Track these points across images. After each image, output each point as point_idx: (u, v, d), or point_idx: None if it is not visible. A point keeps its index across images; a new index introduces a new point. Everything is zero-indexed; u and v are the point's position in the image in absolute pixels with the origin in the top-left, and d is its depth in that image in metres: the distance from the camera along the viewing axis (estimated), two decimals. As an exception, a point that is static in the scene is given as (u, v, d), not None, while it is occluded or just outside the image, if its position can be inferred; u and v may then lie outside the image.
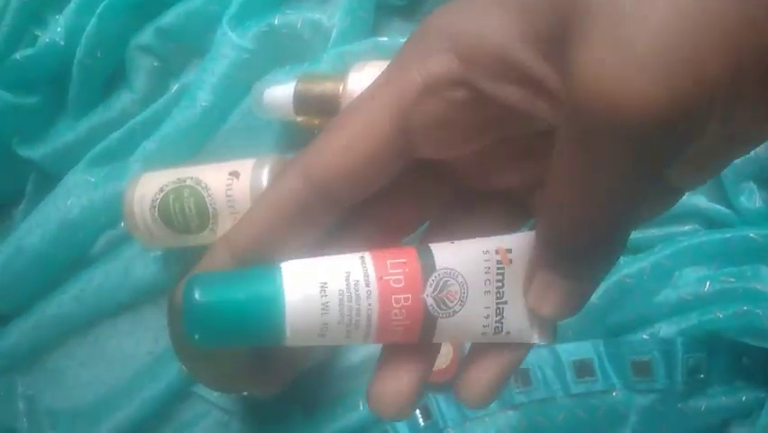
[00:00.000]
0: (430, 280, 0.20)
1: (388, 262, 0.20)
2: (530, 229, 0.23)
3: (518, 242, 0.22)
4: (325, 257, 0.21)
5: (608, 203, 0.17)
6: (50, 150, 0.57)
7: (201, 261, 0.22)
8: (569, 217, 0.18)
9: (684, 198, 0.44)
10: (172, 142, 0.53)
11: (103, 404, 0.55)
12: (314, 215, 0.21)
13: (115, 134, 0.55)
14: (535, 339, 0.22)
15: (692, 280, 0.44)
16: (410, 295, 0.20)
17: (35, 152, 0.58)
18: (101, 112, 0.57)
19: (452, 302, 0.21)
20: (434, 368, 0.45)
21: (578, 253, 0.19)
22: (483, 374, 0.22)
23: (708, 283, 0.43)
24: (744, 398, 0.43)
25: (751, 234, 0.43)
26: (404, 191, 0.22)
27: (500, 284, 0.21)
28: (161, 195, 0.48)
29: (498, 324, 0.21)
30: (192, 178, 0.48)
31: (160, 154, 0.53)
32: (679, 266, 0.44)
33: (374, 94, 0.20)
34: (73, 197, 0.55)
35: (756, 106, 0.16)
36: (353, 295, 0.20)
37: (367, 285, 0.20)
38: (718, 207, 0.44)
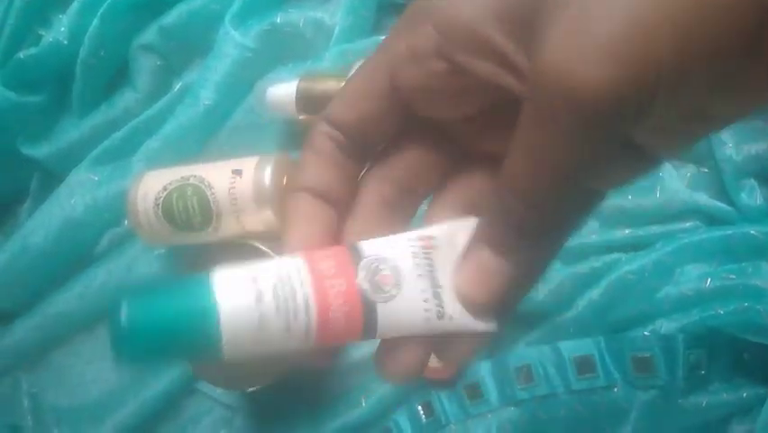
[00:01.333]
0: (361, 265, 0.21)
1: (318, 254, 0.21)
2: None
3: (440, 230, 0.23)
4: (257, 263, 0.21)
5: (560, 177, 0.19)
6: (54, 149, 0.57)
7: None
8: (521, 190, 0.19)
9: (686, 195, 0.45)
10: (175, 141, 0.54)
11: (107, 401, 0.56)
12: (346, 156, 0.23)
13: (119, 133, 0.56)
14: (481, 326, 0.22)
15: (693, 277, 0.44)
16: (344, 280, 0.21)
17: (39, 151, 0.58)
18: (104, 111, 0.57)
19: (388, 286, 0.21)
20: (436, 365, 0.45)
21: (524, 228, 0.20)
22: (407, 355, 0.23)
23: (708, 280, 0.43)
24: (744, 394, 0.43)
25: (752, 232, 0.43)
26: (410, 156, 0.24)
27: (430, 269, 0.22)
28: (165, 193, 0.48)
29: (438, 307, 0.22)
30: (195, 176, 0.48)
31: (163, 153, 0.54)
32: (680, 263, 0.44)
33: (374, 58, 0.23)
34: (77, 195, 0.55)
35: (714, 90, 0.18)
36: (287, 284, 0.20)
37: (299, 273, 0.20)
38: (719, 204, 0.45)
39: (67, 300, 0.57)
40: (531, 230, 0.20)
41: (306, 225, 0.23)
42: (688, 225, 0.45)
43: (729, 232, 0.43)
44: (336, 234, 0.24)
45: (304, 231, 0.23)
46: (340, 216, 0.24)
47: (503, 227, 0.21)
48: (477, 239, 0.22)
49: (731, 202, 0.44)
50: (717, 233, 0.44)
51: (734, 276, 0.43)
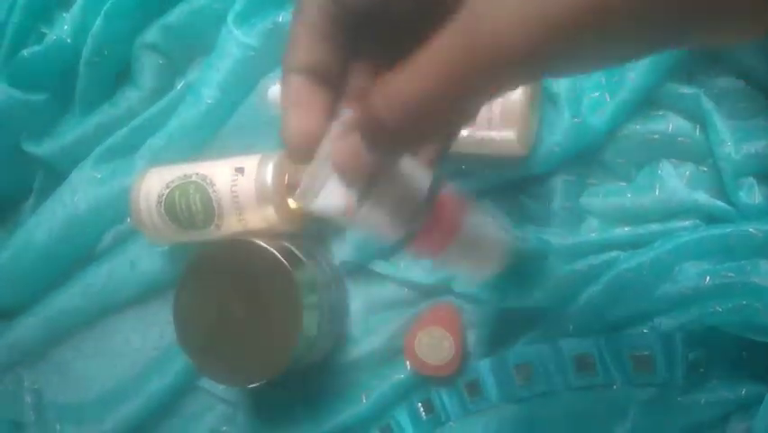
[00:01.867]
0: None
1: None
2: None
3: None
4: None
5: (447, 100, 0.22)
6: (57, 146, 0.58)
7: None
8: (409, 92, 0.22)
9: (685, 194, 0.45)
10: (178, 139, 0.54)
11: (109, 398, 0.56)
12: (337, 26, 0.26)
13: (122, 131, 0.56)
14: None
15: (692, 275, 0.44)
16: None
17: (43, 149, 0.58)
18: (107, 109, 0.57)
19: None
20: (436, 362, 0.46)
21: (396, 134, 0.23)
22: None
23: (707, 278, 0.43)
24: (744, 391, 0.43)
25: (750, 230, 0.43)
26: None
27: None
28: (167, 191, 0.49)
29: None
30: (198, 174, 0.49)
31: (165, 151, 0.54)
32: (679, 261, 0.44)
33: None
34: (80, 193, 0.56)
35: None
36: None
37: None
38: (718, 202, 0.45)
39: (69, 297, 0.57)
40: (397, 138, 0.23)
41: (304, 112, 0.26)
42: (687, 223, 0.45)
43: (728, 230, 0.43)
44: (334, 116, 0.27)
45: (303, 120, 0.26)
46: (336, 94, 0.27)
47: (375, 128, 0.23)
48: (356, 123, 0.25)
49: (730, 201, 0.44)
50: (716, 231, 0.44)
51: (733, 274, 0.43)
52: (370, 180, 0.27)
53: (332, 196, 0.27)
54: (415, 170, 0.29)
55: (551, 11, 0.19)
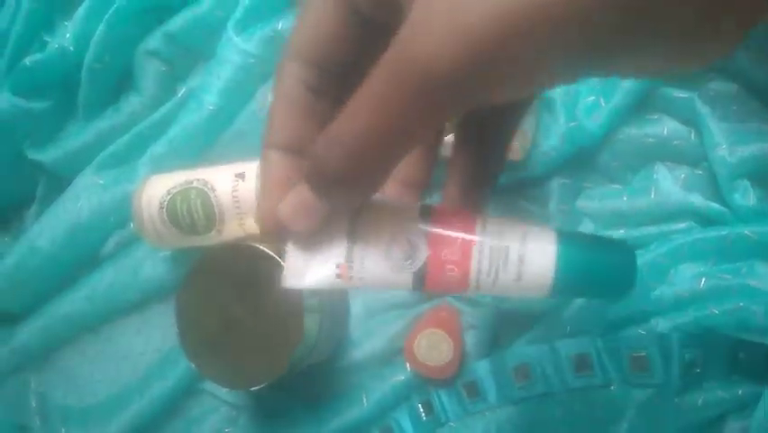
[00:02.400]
0: None
1: None
2: None
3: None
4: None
5: (384, 134, 0.21)
6: (60, 153, 0.58)
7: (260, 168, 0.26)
8: (337, 139, 0.21)
9: (680, 196, 0.45)
10: (179, 145, 0.54)
11: (113, 401, 0.56)
12: (313, 87, 0.25)
13: (124, 138, 0.56)
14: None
15: (688, 277, 0.44)
16: None
17: (46, 156, 0.58)
18: (110, 116, 0.58)
19: None
20: (436, 364, 0.46)
21: (337, 177, 0.22)
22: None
23: (703, 280, 0.44)
24: (740, 392, 0.44)
25: (745, 232, 0.43)
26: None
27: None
28: (169, 197, 0.49)
29: None
30: (199, 180, 0.49)
31: (167, 157, 0.54)
32: (675, 263, 0.45)
33: None
34: (83, 199, 0.56)
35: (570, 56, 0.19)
36: None
37: None
38: (713, 204, 0.45)
39: (73, 302, 0.58)
40: (342, 179, 0.22)
41: (281, 189, 0.25)
42: (682, 225, 0.46)
43: (724, 232, 0.44)
44: None
45: (279, 196, 0.25)
46: None
47: (318, 173, 0.23)
48: (304, 174, 0.24)
49: (725, 203, 0.45)
50: (712, 233, 0.44)
51: (728, 276, 0.43)
52: (351, 236, 0.26)
53: (319, 268, 0.26)
54: (397, 202, 0.28)
55: (475, 29, 0.18)
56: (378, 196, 0.27)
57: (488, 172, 0.30)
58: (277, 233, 0.26)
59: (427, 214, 0.27)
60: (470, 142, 0.29)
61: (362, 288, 0.27)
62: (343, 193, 0.23)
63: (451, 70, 0.19)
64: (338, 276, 0.26)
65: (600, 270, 0.26)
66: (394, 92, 0.20)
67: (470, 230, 0.26)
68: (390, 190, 0.29)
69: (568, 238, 0.26)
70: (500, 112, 0.28)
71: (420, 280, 0.26)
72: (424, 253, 0.26)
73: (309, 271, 0.26)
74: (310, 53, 0.24)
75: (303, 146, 0.25)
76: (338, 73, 0.25)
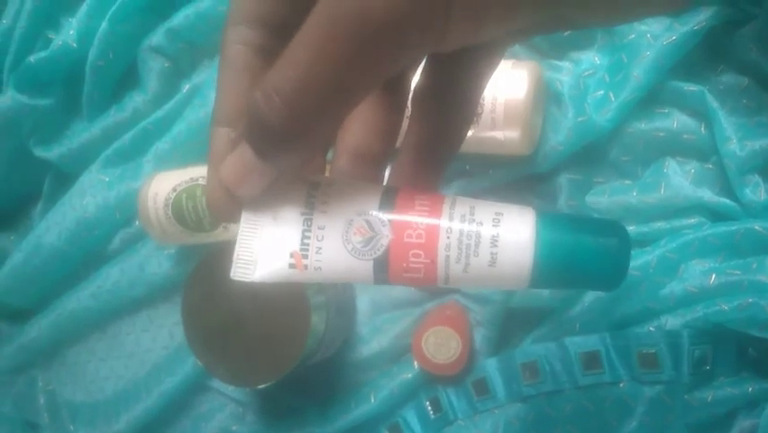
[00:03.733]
0: None
1: None
2: None
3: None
4: None
5: (324, 83, 0.19)
6: (65, 150, 0.58)
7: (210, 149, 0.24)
8: (286, 79, 0.19)
9: (690, 191, 0.45)
10: (184, 142, 0.54)
11: (121, 398, 0.57)
12: (261, 48, 0.23)
13: (128, 135, 0.56)
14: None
15: (698, 273, 0.44)
16: None
17: (51, 153, 0.59)
18: (114, 113, 0.58)
19: None
20: (444, 361, 0.46)
21: (277, 134, 0.20)
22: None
23: (713, 276, 0.43)
24: (750, 389, 0.43)
25: (756, 227, 0.43)
26: None
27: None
28: (175, 194, 0.49)
29: None
30: (204, 177, 0.49)
31: (172, 154, 0.54)
32: (684, 259, 0.44)
33: None
34: (89, 196, 0.56)
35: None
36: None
37: None
38: (724, 200, 0.45)
39: (80, 299, 0.58)
40: (284, 136, 0.20)
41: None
42: (692, 221, 0.45)
43: (734, 228, 0.43)
44: None
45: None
46: None
47: (257, 128, 0.21)
48: (243, 135, 0.22)
49: (735, 198, 0.44)
50: (722, 229, 0.44)
51: (738, 272, 0.43)
52: (306, 221, 0.24)
53: (271, 258, 0.24)
54: (358, 182, 0.25)
55: None
56: (336, 176, 0.25)
57: (444, 151, 0.27)
58: (225, 208, 0.23)
59: (391, 195, 0.24)
60: (427, 115, 0.26)
61: (321, 279, 0.24)
62: (286, 150, 0.21)
63: (387, 12, 0.18)
64: (292, 266, 0.24)
65: (588, 255, 0.23)
66: (330, 38, 0.18)
67: (437, 212, 0.23)
68: (343, 163, 0.26)
69: (549, 218, 0.23)
70: (459, 81, 0.26)
71: (382, 268, 0.23)
72: (385, 238, 0.23)
73: (260, 261, 0.24)
74: (253, 12, 0.23)
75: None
76: (285, 30, 0.22)
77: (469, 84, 0.26)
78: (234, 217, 0.24)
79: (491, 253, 0.23)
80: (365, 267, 0.23)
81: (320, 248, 0.24)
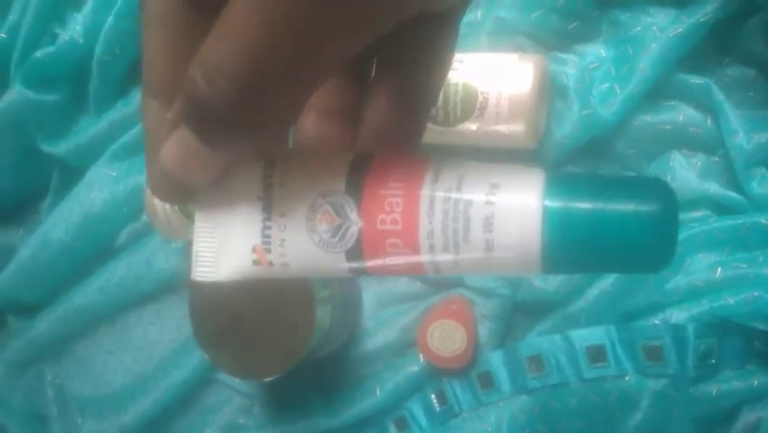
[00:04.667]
0: None
1: None
2: None
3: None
4: None
5: (285, 58, 0.16)
6: (72, 145, 0.58)
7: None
8: (235, 62, 0.16)
9: (696, 184, 0.45)
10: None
11: (129, 391, 0.57)
12: (195, 8, 0.19)
13: (135, 129, 0.56)
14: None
15: (703, 267, 0.44)
16: None
17: (58, 148, 0.59)
18: (120, 107, 0.58)
19: None
20: (449, 354, 0.46)
21: (228, 115, 0.17)
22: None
23: (719, 269, 0.43)
24: (755, 382, 0.43)
25: (762, 221, 0.43)
26: None
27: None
28: (181, 188, 0.49)
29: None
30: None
31: (178, 148, 0.54)
32: (690, 252, 0.44)
33: None
34: (96, 191, 0.56)
35: None
36: None
37: None
38: (730, 193, 0.44)
39: (88, 293, 0.58)
40: (232, 123, 0.17)
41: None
42: (698, 214, 0.45)
43: (740, 221, 0.43)
44: None
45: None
46: None
47: (199, 113, 0.17)
48: (181, 118, 0.18)
49: (742, 191, 0.44)
50: (728, 222, 0.44)
51: (744, 265, 0.43)
52: (266, 207, 0.20)
53: (232, 254, 0.21)
54: (324, 152, 0.21)
55: None
56: (301, 140, 0.22)
57: (414, 116, 0.23)
58: (172, 194, 0.20)
59: (360, 169, 0.20)
60: (391, 72, 0.22)
61: (291, 275, 0.21)
62: (235, 138, 0.18)
63: None
64: (255, 262, 0.20)
65: (619, 228, 0.17)
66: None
67: (416, 188, 0.19)
68: (308, 122, 0.22)
69: (563, 183, 0.18)
70: (424, 35, 0.22)
71: (357, 260, 0.20)
72: (354, 226, 0.19)
73: (221, 259, 0.21)
74: None
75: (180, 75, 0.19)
76: None
77: (435, 39, 0.22)
78: (185, 200, 0.21)
79: (486, 240, 0.18)
80: (337, 260, 0.20)
81: (283, 240, 0.20)
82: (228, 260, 0.21)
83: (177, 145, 0.18)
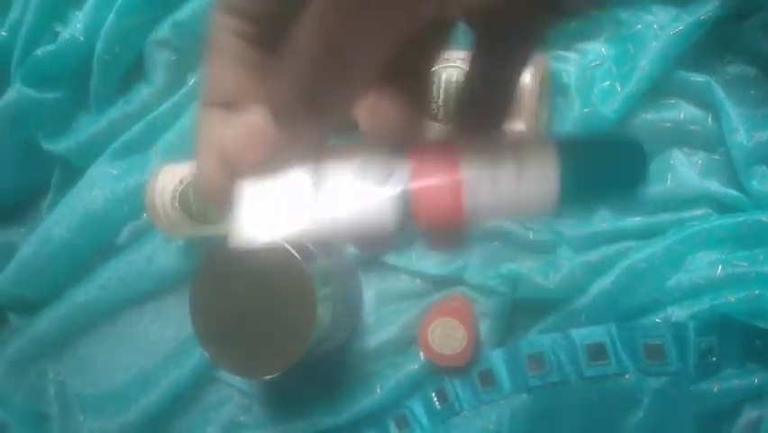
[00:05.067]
0: None
1: None
2: None
3: None
4: None
5: (331, 39, 0.18)
6: (73, 143, 0.58)
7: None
8: (298, 52, 0.19)
9: (697, 182, 0.45)
10: (191, 135, 0.54)
11: (130, 389, 0.57)
12: (249, 37, 0.22)
13: (136, 128, 0.56)
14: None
15: (704, 265, 0.44)
16: None
17: (59, 146, 0.59)
18: (121, 106, 0.58)
19: None
20: (449, 352, 0.46)
21: (303, 93, 0.19)
22: None
23: (719, 267, 0.43)
24: (756, 380, 0.43)
25: (763, 219, 0.42)
26: None
27: None
28: (182, 187, 0.49)
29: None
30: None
31: (179, 146, 0.55)
32: (691, 250, 0.44)
33: None
34: (97, 189, 0.57)
35: None
36: None
37: None
38: (730, 191, 0.44)
39: (89, 291, 0.58)
40: (308, 96, 0.19)
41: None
42: (699, 212, 0.45)
43: (740, 219, 0.43)
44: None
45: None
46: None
47: (283, 90, 0.20)
48: (262, 97, 0.21)
49: (742, 189, 0.44)
50: (729, 220, 0.44)
51: (745, 263, 0.43)
52: (314, 174, 0.22)
53: (277, 219, 0.22)
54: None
55: None
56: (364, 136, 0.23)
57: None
58: (222, 184, 0.22)
59: (402, 146, 0.22)
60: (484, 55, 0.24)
61: (335, 236, 0.22)
62: (307, 121, 0.20)
63: None
64: (297, 222, 0.22)
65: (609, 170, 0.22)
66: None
67: (455, 152, 0.22)
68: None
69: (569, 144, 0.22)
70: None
71: (405, 207, 0.22)
72: (400, 174, 0.22)
73: (268, 220, 0.22)
74: (242, 3, 0.22)
75: (244, 102, 0.22)
76: (274, 20, 0.21)
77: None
78: (230, 197, 0.22)
79: (516, 177, 0.21)
80: (386, 212, 0.22)
81: (330, 196, 0.22)
82: (275, 221, 0.22)
83: (241, 127, 0.21)
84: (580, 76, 0.47)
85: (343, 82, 0.19)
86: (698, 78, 0.45)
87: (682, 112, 0.46)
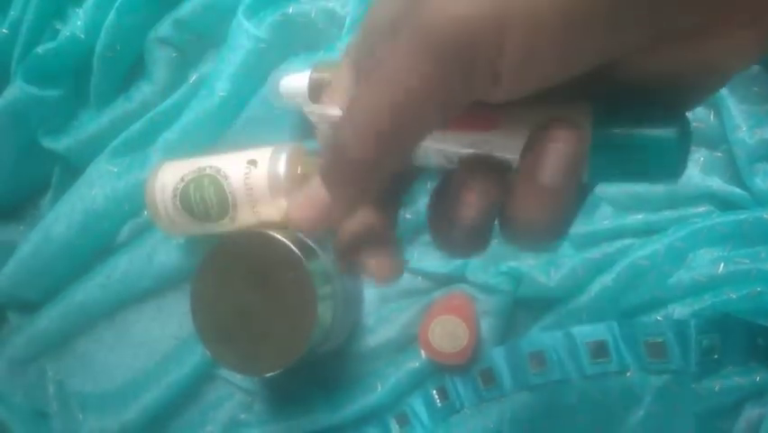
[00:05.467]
0: None
1: None
2: None
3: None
4: None
5: (395, 108, 0.19)
6: (73, 141, 0.58)
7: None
8: (354, 124, 0.20)
9: (699, 180, 0.44)
10: (191, 132, 0.54)
11: (130, 387, 0.57)
12: None
13: (136, 125, 0.56)
14: None
15: (706, 262, 0.44)
16: None
17: (59, 144, 0.59)
18: (122, 103, 0.58)
19: None
20: (450, 350, 0.46)
21: (352, 167, 0.20)
22: None
23: (721, 265, 0.43)
24: (758, 378, 0.43)
25: (765, 216, 0.42)
26: None
27: None
28: (182, 184, 0.49)
29: None
30: (211, 167, 0.49)
31: (179, 144, 0.54)
32: (693, 248, 0.44)
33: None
34: (97, 186, 0.56)
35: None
36: None
37: None
38: (733, 188, 0.44)
39: (89, 289, 0.58)
40: (357, 169, 0.20)
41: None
42: (701, 209, 0.45)
43: (742, 216, 0.43)
44: None
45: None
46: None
47: (333, 161, 0.21)
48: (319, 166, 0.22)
49: (744, 186, 0.44)
50: (730, 217, 0.44)
51: (747, 261, 0.43)
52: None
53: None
54: None
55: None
56: None
57: None
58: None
59: None
60: None
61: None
62: (352, 180, 0.21)
63: (458, 28, 0.17)
64: None
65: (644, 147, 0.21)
66: (404, 52, 0.18)
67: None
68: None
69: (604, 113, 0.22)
70: None
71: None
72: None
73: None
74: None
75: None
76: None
77: None
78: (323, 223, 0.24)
79: None
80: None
81: None
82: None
83: (304, 193, 0.24)
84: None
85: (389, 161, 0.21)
86: (700, 75, 0.45)
87: (684, 109, 0.46)
